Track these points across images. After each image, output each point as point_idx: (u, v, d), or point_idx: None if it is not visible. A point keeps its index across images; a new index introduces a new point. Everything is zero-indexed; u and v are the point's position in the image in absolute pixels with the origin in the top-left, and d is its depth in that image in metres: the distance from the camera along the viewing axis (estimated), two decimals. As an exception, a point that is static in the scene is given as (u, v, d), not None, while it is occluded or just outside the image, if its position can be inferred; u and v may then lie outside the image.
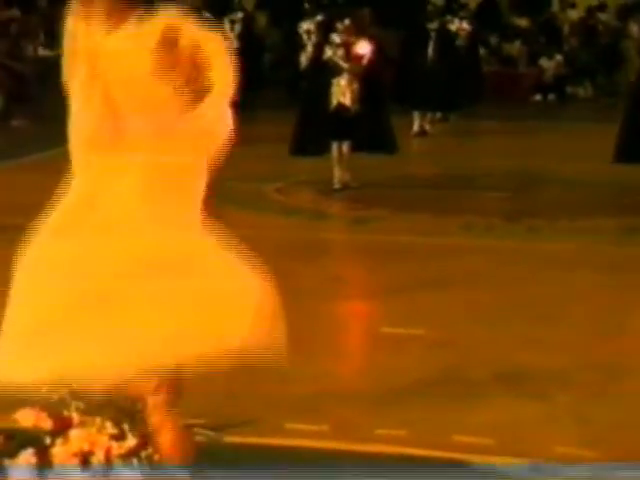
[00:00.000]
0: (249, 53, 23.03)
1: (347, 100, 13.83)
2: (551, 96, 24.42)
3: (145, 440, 4.18)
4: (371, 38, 14.39)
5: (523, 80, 24.61)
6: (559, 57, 24.97)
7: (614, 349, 8.54)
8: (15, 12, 24.50)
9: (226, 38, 5.90)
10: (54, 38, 22.88)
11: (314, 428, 6.80)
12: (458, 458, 6.43)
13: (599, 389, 7.63)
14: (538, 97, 24.34)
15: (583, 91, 24.91)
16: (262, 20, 24.60)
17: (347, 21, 14.16)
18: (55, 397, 4.36)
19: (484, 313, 9.13)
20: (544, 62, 24.87)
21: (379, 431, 6.78)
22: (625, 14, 25.82)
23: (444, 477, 6.24)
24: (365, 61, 13.98)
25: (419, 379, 7.64)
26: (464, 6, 23.65)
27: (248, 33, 23.16)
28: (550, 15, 27.02)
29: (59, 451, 4.01)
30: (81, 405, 4.22)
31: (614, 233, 12.21)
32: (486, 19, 24.87)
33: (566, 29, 26.34)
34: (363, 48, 14.03)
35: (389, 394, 7.40)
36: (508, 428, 6.82)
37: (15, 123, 18.69)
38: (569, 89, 24.80)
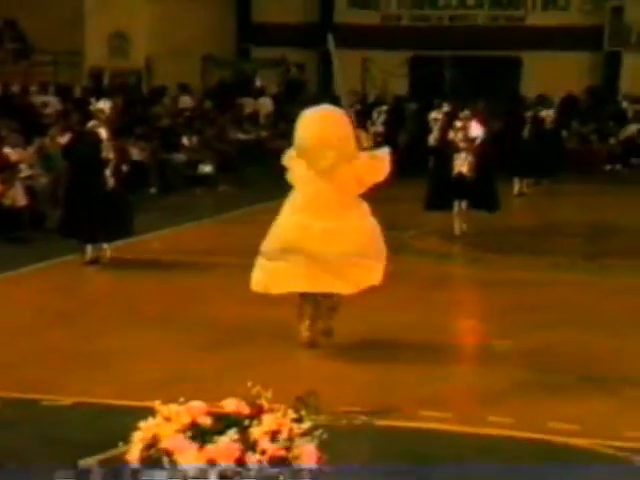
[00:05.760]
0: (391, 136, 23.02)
1: (465, 169, 13.73)
2: (618, 166, 23.91)
3: (316, 424, 4.12)
4: (483, 123, 14.25)
5: (596, 154, 24.11)
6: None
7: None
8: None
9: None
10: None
11: (441, 415, 6.71)
12: (550, 439, 6.31)
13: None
14: (608, 167, 23.83)
15: (643, 162, 24.34)
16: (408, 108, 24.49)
17: (466, 111, 14.07)
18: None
19: (568, 329, 8.94)
20: (612, 140, 24.37)
21: (490, 418, 6.69)
22: None
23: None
24: (478, 141, 13.85)
25: (520, 379, 7.53)
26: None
27: (391, 120, 23.13)
28: (617, 105, 26.56)
29: (255, 430, 3.97)
30: (269, 396, 4.17)
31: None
32: (567, 109, 24.49)
33: (629, 115, 25.79)
34: (476, 131, 13.91)
35: (497, 389, 7.31)
36: (589, 417, 6.71)
37: (221, 188, 18.78)
38: (633, 160, 24.24)
